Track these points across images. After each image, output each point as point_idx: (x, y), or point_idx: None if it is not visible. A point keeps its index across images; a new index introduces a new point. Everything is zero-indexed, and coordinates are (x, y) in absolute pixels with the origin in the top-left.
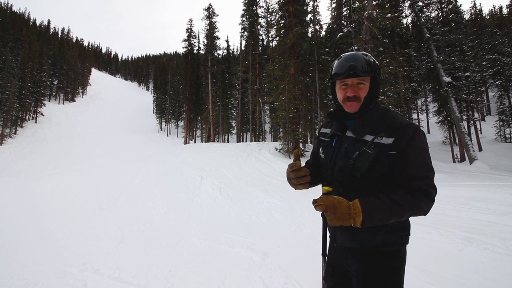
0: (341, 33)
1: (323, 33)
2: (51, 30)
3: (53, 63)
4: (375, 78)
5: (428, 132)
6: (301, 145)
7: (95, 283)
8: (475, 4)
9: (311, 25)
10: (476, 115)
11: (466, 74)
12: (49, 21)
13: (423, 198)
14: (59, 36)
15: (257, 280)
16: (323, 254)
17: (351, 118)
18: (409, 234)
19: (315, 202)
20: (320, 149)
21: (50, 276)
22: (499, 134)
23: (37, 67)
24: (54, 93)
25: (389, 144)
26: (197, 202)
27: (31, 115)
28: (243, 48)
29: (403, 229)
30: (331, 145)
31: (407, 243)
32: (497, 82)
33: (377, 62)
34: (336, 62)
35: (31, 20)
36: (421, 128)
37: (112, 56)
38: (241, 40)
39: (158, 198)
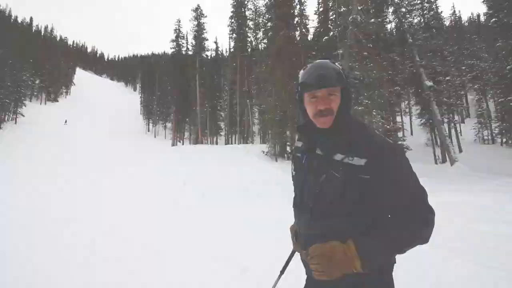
0: (326, 37)
1: (311, 36)
2: (34, 28)
3: (34, 62)
4: (345, 89)
5: (411, 134)
6: (288, 148)
7: None
8: (454, 11)
9: (298, 28)
10: (456, 117)
11: (447, 78)
12: (31, 19)
13: (422, 227)
14: (42, 34)
15: None
16: (282, 271)
17: (322, 133)
18: (394, 262)
19: (307, 257)
20: (292, 165)
21: None
22: (477, 136)
23: (17, 65)
24: (35, 93)
25: (361, 166)
26: (179, 210)
27: (11, 115)
28: (231, 49)
29: None
30: (301, 162)
31: (392, 271)
32: (475, 86)
33: (346, 71)
34: (302, 72)
35: (12, 17)
36: (399, 144)
37: (98, 55)
38: (229, 41)
39: (137, 206)
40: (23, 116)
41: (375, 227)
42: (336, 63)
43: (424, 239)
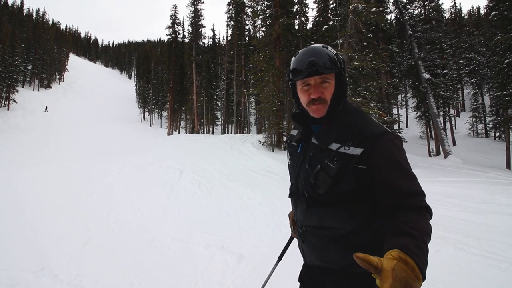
0: (326, 26)
1: (310, 25)
2: (25, 11)
3: (27, 47)
4: (340, 74)
5: (407, 126)
6: (284, 138)
7: None
8: (455, 3)
9: (297, 16)
10: (451, 111)
11: (445, 71)
12: (22, 1)
13: (428, 216)
14: (34, 18)
15: (229, 285)
16: (280, 257)
17: (317, 122)
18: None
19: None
20: (288, 154)
21: (1, 283)
22: (471, 129)
23: (8, 50)
24: (28, 79)
25: (357, 155)
26: (174, 198)
27: (3, 102)
28: (229, 37)
29: (381, 248)
30: (297, 151)
31: None
32: (472, 80)
33: (340, 55)
34: (293, 59)
35: (2, 0)
36: (397, 134)
37: (91, 41)
38: (227, 29)
39: (133, 194)
40: (16, 102)
41: (373, 218)
42: (329, 48)
43: (430, 237)
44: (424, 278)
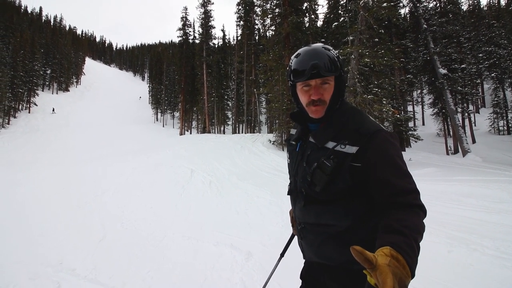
0: (336, 23)
1: (320, 23)
2: (43, 18)
3: (45, 52)
4: (339, 75)
5: (423, 124)
6: None
7: (69, 284)
8: None
9: (307, 14)
10: (470, 107)
11: (462, 66)
12: (40, 9)
13: (422, 214)
14: (52, 24)
15: (237, 282)
16: (282, 254)
17: (315, 121)
18: None
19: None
20: (287, 153)
21: (23, 277)
22: (492, 126)
23: (29, 56)
24: (47, 83)
25: (352, 153)
26: (185, 196)
27: (24, 105)
28: (238, 37)
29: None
30: (295, 150)
31: None
32: (492, 75)
33: (340, 56)
34: (294, 59)
35: (22, 8)
36: (393, 132)
37: (106, 45)
38: (237, 29)
39: (145, 192)
40: (36, 105)
41: (370, 215)
42: (331, 49)
43: (422, 235)
44: (413, 276)
